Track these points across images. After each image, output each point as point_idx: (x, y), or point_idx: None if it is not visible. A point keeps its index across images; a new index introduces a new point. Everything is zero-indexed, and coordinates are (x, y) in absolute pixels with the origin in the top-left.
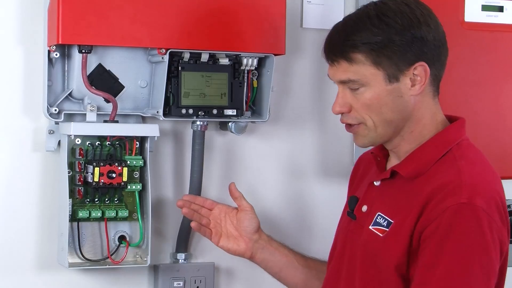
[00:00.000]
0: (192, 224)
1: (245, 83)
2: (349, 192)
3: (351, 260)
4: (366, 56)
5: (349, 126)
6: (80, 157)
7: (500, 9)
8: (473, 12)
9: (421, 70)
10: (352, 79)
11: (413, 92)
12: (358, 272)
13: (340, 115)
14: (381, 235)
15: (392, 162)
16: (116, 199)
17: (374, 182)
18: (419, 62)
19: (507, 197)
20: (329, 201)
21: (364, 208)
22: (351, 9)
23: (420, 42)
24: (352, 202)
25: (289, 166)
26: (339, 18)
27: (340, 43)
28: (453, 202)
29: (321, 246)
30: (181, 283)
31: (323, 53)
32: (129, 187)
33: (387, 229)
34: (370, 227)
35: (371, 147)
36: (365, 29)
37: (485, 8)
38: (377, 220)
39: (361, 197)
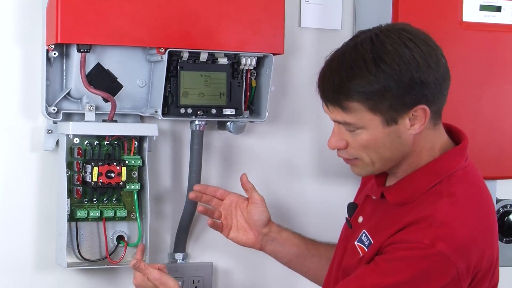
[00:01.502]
0: (209, 222)
1: (244, 83)
2: (357, 194)
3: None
4: (362, 104)
5: (346, 159)
6: (79, 156)
7: (498, 9)
8: (471, 12)
9: (421, 112)
10: (348, 122)
11: (413, 131)
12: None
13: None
14: (361, 254)
15: (391, 179)
16: (114, 199)
17: (372, 196)
18: (419, 105)
19: (506, 197)
20: (326, 201)
21: (360, 219)
22: (348, 9)
23: (419, 86)
24: (350, 209)
25: (287, 165)
26: (337, 17)
27: (334, 90)
28: (415, 239)
29: None
30: (179, 283)
31: (317, 90)
32: (127, 186)
33: (366, 250)
34: (355, 242)
35: None
36: (360, 76)
37: (483, 8)
38: (361, 238)
39: (359, 206)
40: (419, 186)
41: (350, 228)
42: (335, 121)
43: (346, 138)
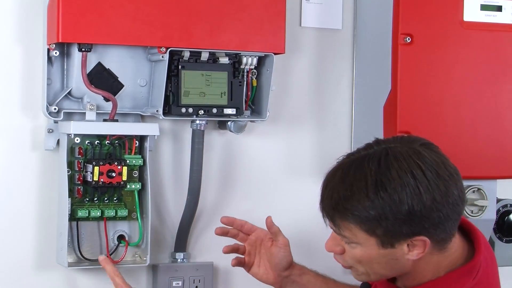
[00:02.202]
0: (233, 263)
1: (245, 82)
2: None
3: None
4: (356, 225)
5: (342, 265)
6: (80, 156)
7: (499, 8)
8: (472, 12)
9: (420, 242)
10: (343, 235)
11: (411, 257)
12: None
13: None
14: None
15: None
16: (115, 198)
17: None
18: (418, 236)
19: (506, 197)
20: None
21: None
22: (349, 8)
23: (419, 219)
24: None
25: (287, 165)
26: (338, 17)
27: (331, 206)
28: None
29: (318, 245)
30: (180, 282)
31: (319, 194)
32: (128, 186)
33: None
34: None
35: None
36: (358, 199)
37: (484, 7)
38: None
39: None
40: None
41: None
42: (332, 229)
43: (343, 244)
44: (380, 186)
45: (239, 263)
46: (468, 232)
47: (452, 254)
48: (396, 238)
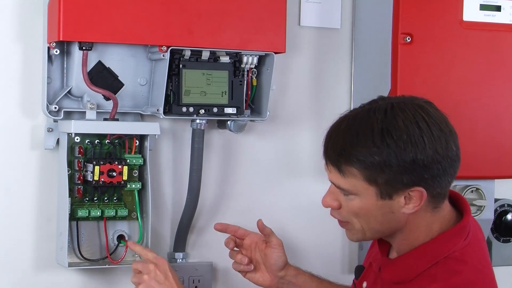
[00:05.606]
0: (233, 266)
1: (245, 82)
2: (367, 255)
3: None
4: (360, 172)
5: (339, 221)
6: (80, 155)
7: (498, 8)
8: (471, 12)
9: (417, 193)
10: (342, 187)
11: (406, 210)
12: None
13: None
14: None
15: (392, 252)
16: (115, 198)
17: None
18: (416, 187)
19: (505, 197)
20: None
21: (364, 284)
22: (348, 7)
23: (420, 168)
24: (357, 272)
25: (287, 164)
26: (337, 16)
27: (336, 152)
28: None
29: (316, 244)
30: None
31: (322, 146)
32: (128, 186)
33: None
34: None
35: None
36: (364, 145)
37: (483, 7)
38: None
39: (365, 270)
40: (414, 268)
41: None
42: (331, 182)
43: (340, 199)
44: (386, 133)
45: (234, 266)
46: (455, 201)
47: (443, 216)
48: (395, 188)
